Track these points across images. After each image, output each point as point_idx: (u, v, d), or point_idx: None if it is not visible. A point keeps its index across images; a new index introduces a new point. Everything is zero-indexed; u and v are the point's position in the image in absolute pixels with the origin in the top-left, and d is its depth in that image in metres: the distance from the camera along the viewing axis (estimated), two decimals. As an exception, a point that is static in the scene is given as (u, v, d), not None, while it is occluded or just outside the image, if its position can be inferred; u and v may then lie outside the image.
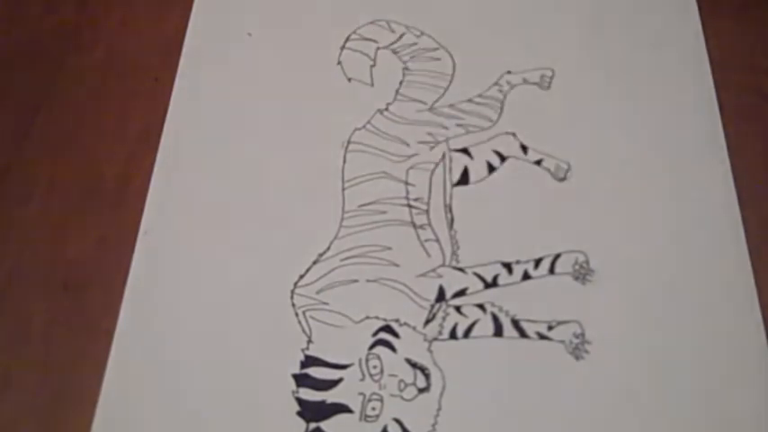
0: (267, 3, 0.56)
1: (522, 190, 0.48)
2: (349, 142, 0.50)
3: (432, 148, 0.50)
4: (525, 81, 0.52)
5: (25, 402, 0.44)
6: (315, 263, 0.46)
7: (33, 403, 0.44)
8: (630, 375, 0.43)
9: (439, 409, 0.42)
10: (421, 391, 0.43)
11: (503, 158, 0.49)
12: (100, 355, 0.45)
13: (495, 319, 0.44)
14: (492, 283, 0.46)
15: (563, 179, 0.49)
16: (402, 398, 0.43)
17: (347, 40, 0.54)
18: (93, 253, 0.48)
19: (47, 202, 0.51)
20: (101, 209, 0.50)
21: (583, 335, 0.44)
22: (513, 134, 0.50)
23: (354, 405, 0.43)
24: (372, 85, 0.52)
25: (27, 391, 0.45)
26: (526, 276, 0.46)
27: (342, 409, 0.43)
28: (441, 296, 0.45)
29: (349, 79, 0.53)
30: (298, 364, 0.44)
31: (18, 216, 0.50)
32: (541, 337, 0.44)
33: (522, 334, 0.44)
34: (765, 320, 0.44)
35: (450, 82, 0.52)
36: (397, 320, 0.45)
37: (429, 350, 0.44)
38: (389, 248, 0.47)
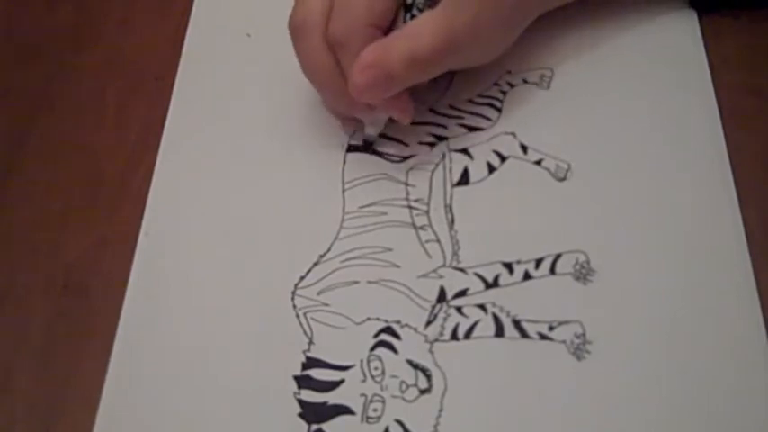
0: (267, 3, 0.56)
1: (522, 190, 0.48)
2: (349, 143, 0.50)
3: (431, 148, 0.50)
4: (525, 81, 0.52)
5: (25, 402, 0.44)
6: (315, 264, 0.47)
7: (33, 403, 0.44)
8: (632, 375, 0.43)
9: (441, 410, 0.42)
10: (422, 392, 0.43)
11: (503, 158, 0.49)
12: (100, 355, 0.45)
13: (497, 319, 0.45)
14: (493, 284, 0.46)
15: (563, 179, 0.48)
16: (404, 399, 0.43)
17: (347, 40, 0.54)
18: (94, 253, 0.48)
19: (47, 203, 0.50)
20: (101, 209, 0.50)
21: (584, 335, 0.44)
22: (513, 134, 0.50)
23: (356, 406, 0.43)
24: (373, 85, 0.52)
25: (27, 391, 0.45)
26: (527, 276, 0.46)
27: (343, 410, 0.43)
28: (442, 297, 0.45)
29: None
30: (299, 366, 0.44)
31: (18, 216, 0.50)
32: (543, 337, 0.44)
33: (524, 334, 0.44)
34: (766, 320, 0.43)
35: (451, 82, 0.52)
36: (398, 322, 0.45)
37: (430, 351, 0.44)
38: (390, 250, 0.47)
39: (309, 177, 0.50)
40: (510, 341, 0.44)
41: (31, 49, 0.57)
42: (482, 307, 0.45)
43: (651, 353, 0.43)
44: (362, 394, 0.43)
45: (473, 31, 0.45)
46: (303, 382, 0.43)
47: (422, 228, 0.47)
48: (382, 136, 0.50)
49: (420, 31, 0.45)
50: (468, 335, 0.44)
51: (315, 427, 0.42)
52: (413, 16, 0.46)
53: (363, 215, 0.48)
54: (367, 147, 0.50)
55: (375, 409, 0.42)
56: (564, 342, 0.44)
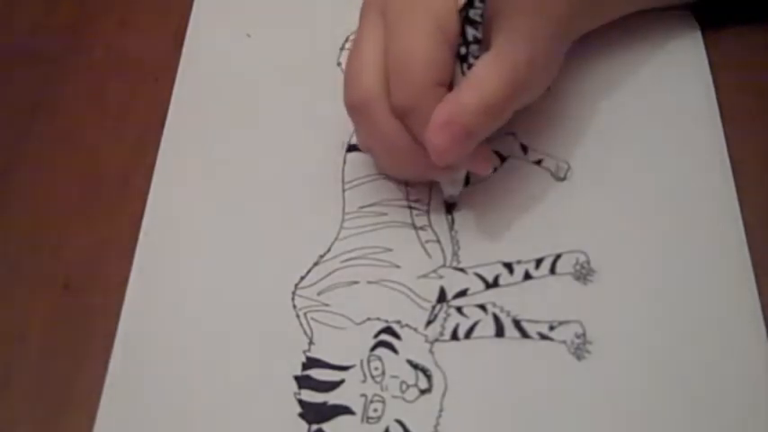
0: (267, 3, 0.56)
1: (522, 190, 0.48)
2: (349, 143, 0.50)
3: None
4: (525, 81, 0.52)
5: (25, 403, 0.44)
6: (315, 264, 0.46)
7: (33, 404, 0.44)
8: (632, 375, 0.43)
9: (441, 410, 0.42)
10: (423, 392, 0.43)
11: (503, 158, 0.49)
12: (100, 355, 0.45)
13: (497, 319, 0.45)
14: (493, 284, 0.46)
15: (563, 179, 0.49)
16: (404, 399, 0.43)
17: (347, 40, 0.54)
18: (94, 253, 0.48)
19: (47, 202, 0.50)
20: (101, 209, 0.50)
21: (584, 335, 0.44)
22: (513, 134, 0.50)
23: (356, 406, 0.43)
24: (373, 85, 0.52)
25: (27, 391, 0.45)
26: (527, 276, 0.46)
27: (344, 410, 0.43)
28: (442, 297, 0.45)
29: (349, 80, 0.52)
30: (299, 366, 0.44)
31: (18, 216, 0.50)
32: (543, 337, 0.44)
33: (524, 334, 0.44)
34: (766, 320, 0.43)
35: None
36: (398, 322, 0.45)
37: (431, 351, 0.44)
38: (390, 250, 0.47)
39: (309, 177, 0.50)
40: (510, 341, 0.44)
41: (31, 49, 0.56)
42: (482, 307, 0.45)
43: (651, 353, 0.43)
44: (363, 394, 0.43)
45: (532, 64, 0.44)
46: (303, 382, 0.43)
47: (422, 228, 0.47)
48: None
49: (485, 77, 0.43)
50: (468, 335, 0.44)
51: (315, 427, 0.42)
52: (470, 66, 0.44)
53: (363, 215, 0.48)
54: (450, 207, 0.48)
55: (375, 410, 0.42)
56: (564, 342, 0.44)
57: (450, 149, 0.42)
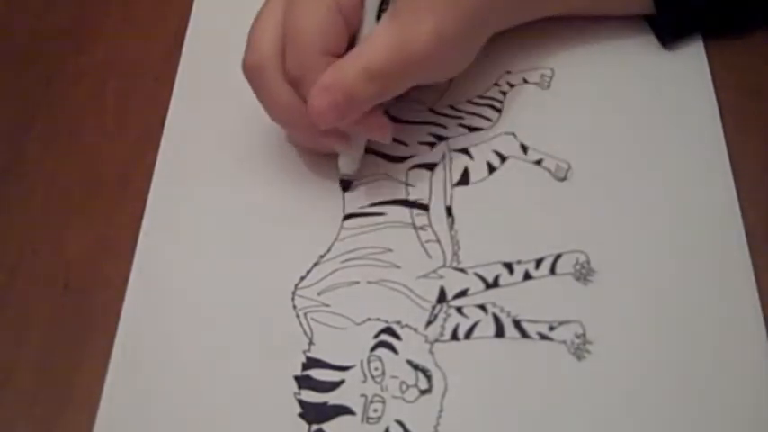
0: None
1: (522, 190, 0.48)
2: (348, 143, 0.50)
3: (431, 148, 0.50)
4: (525, 81, 0.52)
5: (25, 403, 0.44)
6: (315, 264, 0.46)
7: (33, 404, 0.44)
8: (632, 375, 0.43)
9: (441, 410, 0.42)
10: (423, 392, 0.43)
11: (503, 158, 0.49)
12: (100, 355, 0.45)
13: (497, 319, 0.44)
14: (493, 284, 0.46)
15: (563, 179, 0.48)
16: (404, 399, 0.43)
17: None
18: (94, 253, 0.48)
19: (47, 202, 0.51)
20: (101, 209, 0.50)
21: (584, 335, 0.44)
22: (513, 134, 0.50)
23: (356, 407, 0.43)
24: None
25: (27, 391, 0.45)
26: (527, 276, 0.46)
27: (344, 410, 0.43)
28: (442, 297, 0.45)
29: (349, 79, 0.52)
30: (299, 366, 0.44)
31: (18, 216, 0.50)
32: (543, 337, 0.44)
33: (524, 334, 0.44)
34: (766, 320, 0.43)
35: (450, 82, 0.52)
36: (398, 322, 0.45)
37: (431, 351, 0.44)
38: (390, 250, 0.47)
39: (309, 176, 0.50)
40: (510, 341, 0.44)
41: (30, 49, 0.57)
42: (482, 307, 0.45)
43: (651, 353, 0.43)
44: (363, 395, 0.43)
45: (431, 44, 0.44)
46: (303, 382, 0.43)
47: (422, 228, 0.47)
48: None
49: (374, 45, 0.44)
50: (468, 335, 0.44)
51: (315, 427, 0.42)
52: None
53: (363, 215, 0.48)
54: (347, 187, 0.49)
55: (375, 410, 0.42)
56: (564, 342, 0.44)
57: (329, 112, 0.43)
